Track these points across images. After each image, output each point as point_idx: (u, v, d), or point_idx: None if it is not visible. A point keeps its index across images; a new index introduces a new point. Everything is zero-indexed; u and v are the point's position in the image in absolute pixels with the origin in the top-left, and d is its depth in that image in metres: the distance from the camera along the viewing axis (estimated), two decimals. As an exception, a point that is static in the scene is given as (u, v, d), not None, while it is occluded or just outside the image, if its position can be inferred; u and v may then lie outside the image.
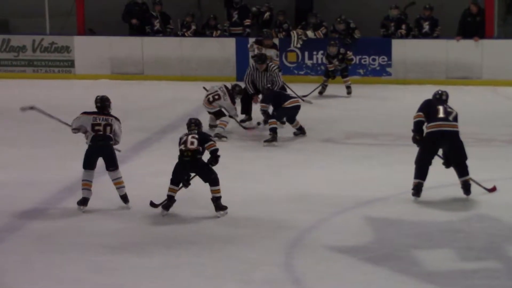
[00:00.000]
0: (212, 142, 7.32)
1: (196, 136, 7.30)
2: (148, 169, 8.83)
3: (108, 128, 7.59)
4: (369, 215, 7.33)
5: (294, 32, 14.33)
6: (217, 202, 7.29)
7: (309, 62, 14.72)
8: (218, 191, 7.28)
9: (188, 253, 6.44)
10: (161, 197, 7.52)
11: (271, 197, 7.71)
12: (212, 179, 7.28)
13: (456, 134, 7.72)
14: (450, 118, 7.72)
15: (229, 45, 14.92)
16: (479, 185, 7.87)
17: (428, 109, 7.79)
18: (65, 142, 10.13)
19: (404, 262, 6.22)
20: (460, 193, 7.77)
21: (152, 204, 7.53)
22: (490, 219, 7.23)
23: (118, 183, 7.65)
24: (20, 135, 10.65)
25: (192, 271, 6.07)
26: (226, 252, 6.44)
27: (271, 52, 12.03)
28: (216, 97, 10.42)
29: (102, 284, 5.87)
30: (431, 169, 7.73)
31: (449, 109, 7.80)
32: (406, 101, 11.94)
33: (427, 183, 7.73)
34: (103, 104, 7.71)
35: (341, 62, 13.16)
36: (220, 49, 14.92)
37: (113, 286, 5.82)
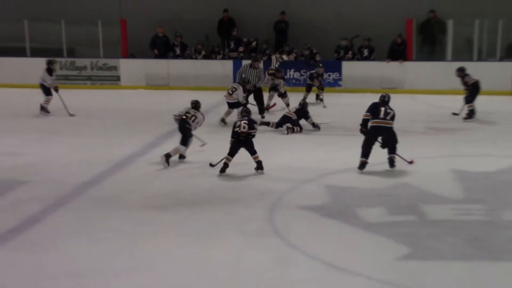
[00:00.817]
0: (255, 130, 7.67)
1: (246, 122, 7.63)
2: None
3: (193, 118, 8.12)
4: (327, 184, 7.34)
5: (274, 56, 14.24)
6: (259, 164, 7.63)
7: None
8: (257, 157, 7.62)
9: (203, 210, 6.44)
10: (184, 173, 7.53)
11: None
12: (253, 151, 7.63)
13: (390, 128, 7.78)
14: (388, 117, 7.78)
15: (228, 65, 14.84)
16: (401, 158, 7.93)
17: (374, 110, 7.85)
18: (115, 134, 10.12)
19: (351, 217, 6.26)
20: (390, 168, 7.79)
21: (211, 165, 7.79)
22: (410, 186, 7.25)
23: (174, 150, 7.93)
24: (86, 128, 10.53)
25: (205, 223, 6.08)
26: (229, 210, 6.44)
27: (280, 82, 12.01)
28: (234, 89, 10.59)
29: (141, 232, 5.87)
30: (372, 151, 7.77)
31: (388, 110, 7.84)
32: (353, 104, 11.95)
33: (369, 161, 7.76)
34: (196, 105, 8.30)
35: (322, 80, 13.04)
36: (222, 68, 14.84)
37: (148, 234, 5.82)
